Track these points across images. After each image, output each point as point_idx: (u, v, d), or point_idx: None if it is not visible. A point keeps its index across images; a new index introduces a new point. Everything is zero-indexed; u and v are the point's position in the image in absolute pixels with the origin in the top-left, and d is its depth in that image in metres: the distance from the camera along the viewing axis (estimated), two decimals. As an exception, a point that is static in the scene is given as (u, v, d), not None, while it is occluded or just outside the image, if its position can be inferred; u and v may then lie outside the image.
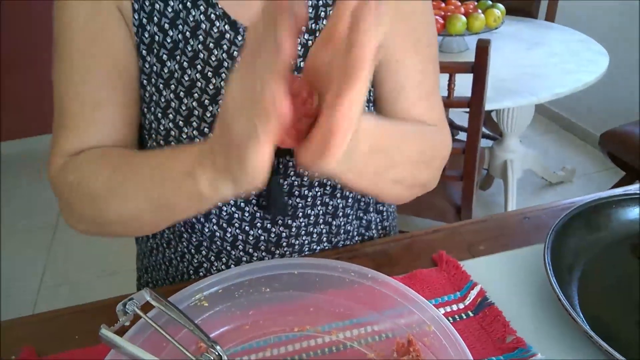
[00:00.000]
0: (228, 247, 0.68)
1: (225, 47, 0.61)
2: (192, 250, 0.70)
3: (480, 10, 1.97)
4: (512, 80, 1.74)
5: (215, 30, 0.61)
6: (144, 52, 0.61)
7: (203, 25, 0.61)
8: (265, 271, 0.57)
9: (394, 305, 0.53)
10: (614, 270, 0.61)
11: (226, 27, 0.61)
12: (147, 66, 0.62)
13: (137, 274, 0.84)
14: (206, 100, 0.61)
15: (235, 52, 0.62)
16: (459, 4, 2.04)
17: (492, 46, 1.33)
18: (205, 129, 0.62)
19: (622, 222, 0.64)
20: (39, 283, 2.09)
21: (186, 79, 0.61)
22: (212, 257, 0.70)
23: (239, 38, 0.61)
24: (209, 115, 0.62)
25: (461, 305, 0.57)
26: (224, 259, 0.70)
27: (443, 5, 2.05)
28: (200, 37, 0.61)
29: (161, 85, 0.62)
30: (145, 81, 0.62)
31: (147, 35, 0.61)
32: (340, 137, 0.34)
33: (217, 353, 0.44)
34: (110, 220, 0.57)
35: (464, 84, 1.42)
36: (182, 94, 0.61)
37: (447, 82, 1.39)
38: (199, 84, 0.61)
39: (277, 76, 0.33)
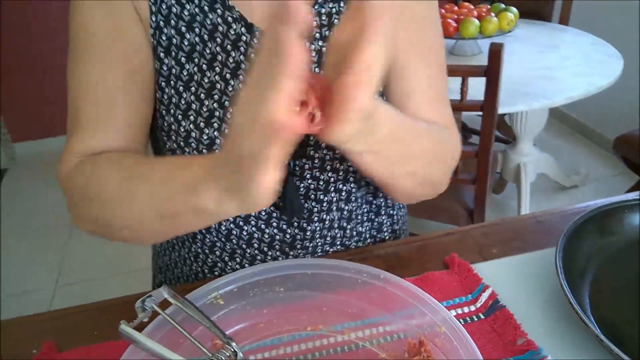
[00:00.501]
0: (243, 245, 0.70)
1: (242, 49, 0.62)
2: (207, 250, 0.71)
3: (493, 14, 1.97)
4: (525, 84, 1.74)
5: (232, 33, 0.62)
6: (161, 54, 0.62)
7: (220, 28, 0.62)
8: (279, 271, 0.58)
9: (406, 306, 0.54)
10: (626, 274, 0.61)
11: (243, 29, 0.62)
12: (165, 68, 0.63)
13: (152, 272, 0.85)
14: (226, 102, 0.63)
15: (252, 55, 0.63)
16: (472, 7, 2.04)
17: (505, 49, 1.33)
18: (226, 130, 0.63)
19: (634, 227, 0.64)
20: (55, 282, 2.13)
21: (206, 81, 0.62)
22: (226, 257, 0.71)
23: (255, 41, 0.63)
24: (229, 116, 0.63)
25: (472, 308, 0.58)
26: (237, 259, 0.71)
27: (456, 8, 2.05)
28: (218, 39, 0.62)
29: (181, 88, 0.63)
30: (163, 83, 0.63)
31: (164, 38, 0.62)
32: (356, 95, 0.36)
33: (232, 349, 0.45)
34: (117, 226, 0.57)
35: (476, 87, 1.42)
36: (202, 95, 0.62)
37: (460, 85, 1.39)
38: (218, 85, 0.62)
39: (282, 93, 0.33)
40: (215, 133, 0.63)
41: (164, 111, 0.65)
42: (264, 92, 0.34)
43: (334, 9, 0.63)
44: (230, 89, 0.63)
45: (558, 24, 2.38)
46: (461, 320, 0.57)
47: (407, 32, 0.65)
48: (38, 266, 2.21)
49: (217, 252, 0.71)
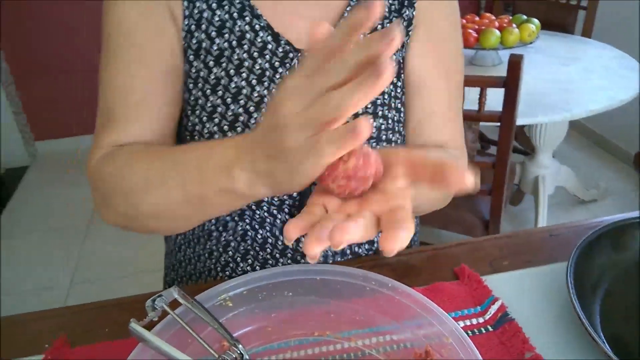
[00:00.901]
0: (257, 248, 0.70)
1: (267, 57, 0.64)
2: (220, 249, 0.72)
3: (515, 25, 1.96)
4: (545, 96, 1.73)
5: (259, 41, 0.63)
6: (191, 57, 0.64)
7: (248, 35, 0.63)
8: (289, 275, 0.59)
9: (414, 316, 0.54)
10: (639, 291, 0.60)
11: (269, 38, 0.63)
12: (193, 70, 0.64)
13: (164, 271, 0.86)
14: (251, 107, 0.64)
15: (276, 63, 0.64)
16: (494, 17, 2.03)
17: (526, 61, 1.33)
18: (264, 117, 0.63)
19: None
20: (70, 279, 2.16)
21: (232, 85, 0.64)
22: (239, 258, 0.72)
23: (280, 50, 0.64)
24: (252, 121, 0.64)
25: (481, 320, 0.58)
26: (249, 260, 0.71)
27: (477, 19, 2.05)
28: (245, 46, 0.63)
29: (208, 91, 0.64)
30: (191, 85, 0.65)
31: (194, 41, 0.63)
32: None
33: (239, 352, 0.46)
34: (144, 214, 0.57)
35: (495, 98, 1.41)
36: (228, 100, 0.64)
37: (479, 96, 1.38)
38: (244, 91, 0.64)
39: (362, 102, 0.35)
40: None
41: (189, 112, 0.66)
42: (346, 96, 0.35)
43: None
44: (256, 94, 0.64)
45: (580, 37, 2.36)
46: (469, 331, 0.57)
47: (434, 52, 0.67)
48: (54, 263, 2.25)
49: (230, 252, 0.72)
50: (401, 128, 0.71)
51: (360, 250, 0.74)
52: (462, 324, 0.57)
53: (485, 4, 2.86)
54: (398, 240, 0.37)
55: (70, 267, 2.22)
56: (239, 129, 0.64)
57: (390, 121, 0.68)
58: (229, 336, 0.47)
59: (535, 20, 2.00)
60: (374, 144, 0.67)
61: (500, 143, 1.41)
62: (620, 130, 2.76)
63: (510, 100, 1.36)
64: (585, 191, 2.42)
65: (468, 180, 0.39)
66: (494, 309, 0.58)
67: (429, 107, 0.68)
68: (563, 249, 0.67)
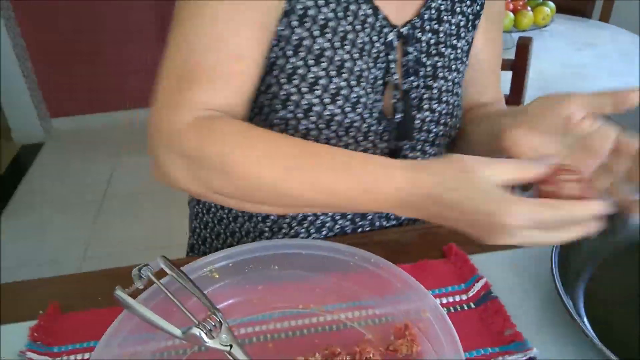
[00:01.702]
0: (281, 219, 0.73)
1: (367, 30, 0.63)
2: (245, 216, 0.75)
3: (529, 8, 1.92)
4: (557, 81, 1.70)
5: (361, 13, 0.62)
6: (295, 22, 0.60)
7: (352, 7, 0.61)
8: (275, 249, 0.60)
9: (395, 291, 0.55)
10: (624, 275, 0.60)
11: (369, 11, 0.63)
12: (295, 37, 0.60)
13: (188, 234, 0.88)
14: (353, 81, 0.63)
15: (374, 37, 0.64)
16: (508, 0, 2.00)
17: (540, 45, 1.31)
18: (347, 108, 0.64)
19: (637, 228, 0.63)
20: (83, 254, 2.20)
21: (337, 58, 0.62)
22: (261, 225, 0.74)
23: (377, 24, 0.63)
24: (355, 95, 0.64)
25: (464, 297, 0.58)
26: (274, 229, 0.74)
27: (491, 1, 2.01)
28: (350, 17, 0.62)
29: (311, 61, 0.61)
30: (290, 52, 0.61)
31: (300, 7, 0.59)
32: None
33: (218, 319, 0.47)
34: (257, 201, 0.54)
35: (505, 81, 1.40)
36: (332, 72, 0.62)
37: (486, 78, 1.37)
38: (346, 64, 0.62)
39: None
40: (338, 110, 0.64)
41: (283, 80, 0.63)
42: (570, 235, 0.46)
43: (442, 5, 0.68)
44: (357, 68, 0.63)
45: (598, 21, 2.31)
46: (452, 308, 0.57)
47: (493, 25, 0.76)
48: (68, 238, 2.29)
49: (255, 221, 0.74)
50: (459, 90, 0.73)
51: (357, 227, 0.74)
52: (445, 300, 0.58)
53: (502, -14, 2.81)
54: None
55: (83, 242, 2.26)
56: (339, 100, 0.63)
57: (450, 83, 0.71)
58: (210, 304, 0.49)
59: (551, 3, 1.96)
60: (435, 104, 0.70)
61: (506, 127, 1.40)
62: (633, 117, 2.70)
63: (518, 83, 1.35)
64: (597, 179, 2.38)
65: None
66: (477, 286, 0.59)
67: (484, 69, 0.77)
68: (554, 231, 0.67)
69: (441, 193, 0.47)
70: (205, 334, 0.46)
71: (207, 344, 0.45)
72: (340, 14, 0.61)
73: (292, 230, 0.73)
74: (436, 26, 0.67)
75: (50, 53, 3.01)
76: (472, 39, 0.74)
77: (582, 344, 0.52)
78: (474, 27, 0.73)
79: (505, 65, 1.34)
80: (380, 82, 0.66)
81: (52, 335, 0.57)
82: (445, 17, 0.68)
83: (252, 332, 0.56)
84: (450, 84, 0.71)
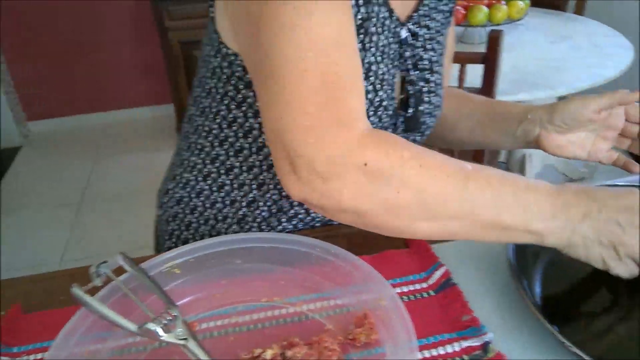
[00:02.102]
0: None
1: (386, 33, 0.63)
2: (219, 219, 0.74)
3: (503, 2, 1.94)
4: (531, 73, 1.72)
5: (382, 16, 0.61)
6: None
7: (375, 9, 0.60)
8: (237, 244, 0.60)
9: (356, 281, 0.55)
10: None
11: (387, 13, 0.62)
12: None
13: (155, 241, 0.87)
14: (377, 84, 0.64)
15: (390, 38, 0.63)
16: (482, -6, 2.01)
17: (514, 38, 1.32)
18: (370, 112, 0.64)
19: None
20: (60, 258, 2.18)
21: (366, 61, 0.61)
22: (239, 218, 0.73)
23: (392, 25, 0.63)
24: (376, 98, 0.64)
25: (425, 285, 0.59)
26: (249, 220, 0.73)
27: (465, -5, 2.03)
28: (374, 19, 0.61)
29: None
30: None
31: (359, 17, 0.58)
32: None
33: (174, 314, 0.47)
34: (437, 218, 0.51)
35: (476, 74, 1.41)
36: (377, 85, 0.63)
37: (458, 72, 1.38)
38: (373, 67, 0.63)
39: None
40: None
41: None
42: None
43: None
44: (380, 72, 0.64)
45: (572, 14, 2.34)
46: (412, 296, 0.58)
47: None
48: (45, 241, 2.27)
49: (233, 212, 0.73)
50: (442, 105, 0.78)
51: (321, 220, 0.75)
52: (405, 288, 0.59)
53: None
54: None
55: (60, 246, 2.24)
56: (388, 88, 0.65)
57: (440, 76, 0.74)
58: (166, 299, 0.49)
59: (525, -3, 1.98)
60: (433, 97, 0.72)
61: (479, 120, 1.41)
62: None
63: (489, 76, 1.36)
64: (574, 169, 2.41)
65: None
66: (437, 274, 0.59)
67: (448, 62, 0.82)
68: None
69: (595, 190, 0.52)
70: (161, 328, 0.46)
71: (162, 338, 0.45)
72: (372, 15, 0.59)
73: (265, 223, 0.72)
74: (428, 22, 0.69)
75: (26, 56, 2.98)
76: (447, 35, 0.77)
77: (537, 327, 0.53)
78: (449, 23, 0.75)
79: (476, 58, 1.36)
80: (396, 80, 0.67)
81: (13, 336, 0.56)
82: (433, 14, 0.70)
83: (213, 327, 0.56)
84: (440, 77, 0.74)
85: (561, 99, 2.55)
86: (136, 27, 3.03)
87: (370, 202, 0.49)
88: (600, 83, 1.67)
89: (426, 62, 0.71)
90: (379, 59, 0.63)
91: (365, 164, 0.47)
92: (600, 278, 0.58)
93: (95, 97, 3.13)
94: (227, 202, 0.72)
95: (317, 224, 0.74)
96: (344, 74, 0.49)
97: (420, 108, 0.71)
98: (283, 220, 0.72)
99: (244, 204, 0.71)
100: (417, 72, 0.69)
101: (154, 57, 3.10)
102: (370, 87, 0.63)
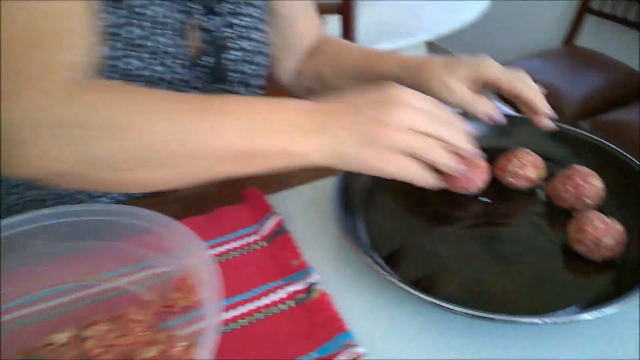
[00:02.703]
0: None
1: None
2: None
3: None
4: (392, 23, 1.73)
5: None
6: None
7: None
8: (42, 220, 0.52)
9: (177, 247, 0.50)
10: (401, 194, 0.60)
11: None
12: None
13: None
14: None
15: None
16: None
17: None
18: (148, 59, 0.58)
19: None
20: None
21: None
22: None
23: None
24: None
25: (257, 237, 0.55)
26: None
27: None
28: None
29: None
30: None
31: None
32: None
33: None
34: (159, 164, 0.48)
35: (335, 25, 1.39)
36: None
37: (316, 24, 1.35)
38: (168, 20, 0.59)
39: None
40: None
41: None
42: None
43: None
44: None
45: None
46: (244, 250, 0.54)
47: None
48: None
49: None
50: (263, 26, 0.70)
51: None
52: (236, 244, 0.55)
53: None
54: None
55: None
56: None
57: (255, 19, 0.68)
58: None
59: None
60: (244, 42, 0.67)
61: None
62: (472, 48, 2.85)
63: (347, 27, 1.34)
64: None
65: None
66: (269, 225, 0.56)
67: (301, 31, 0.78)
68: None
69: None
70: None
71: None
72: None
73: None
74: None
75: None
76: None
77: (362, 266, 0.51)
78: None
79: (333, 8, 1.33)
80: (180, 25, 0.60)
81: None
82: None
83: (17, 317, 0.48)
84: (253, 20, 0.68)
85: (429, 45, 2.63)
86: None
87: (73, 159, 0.45)
88: (458, 27, 1.72)
89: (230, 5, 0.65)
90: (146, 2, 0.56)
91: (61, 120, 0.44)
92: (419, 203, 0.58)
93: None
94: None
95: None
96: (50, 29, 0.46)
97: (227, 56, 0.65)
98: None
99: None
100: (216, 17, 0.63)
101: None
102: (139, 31, 0.56)
